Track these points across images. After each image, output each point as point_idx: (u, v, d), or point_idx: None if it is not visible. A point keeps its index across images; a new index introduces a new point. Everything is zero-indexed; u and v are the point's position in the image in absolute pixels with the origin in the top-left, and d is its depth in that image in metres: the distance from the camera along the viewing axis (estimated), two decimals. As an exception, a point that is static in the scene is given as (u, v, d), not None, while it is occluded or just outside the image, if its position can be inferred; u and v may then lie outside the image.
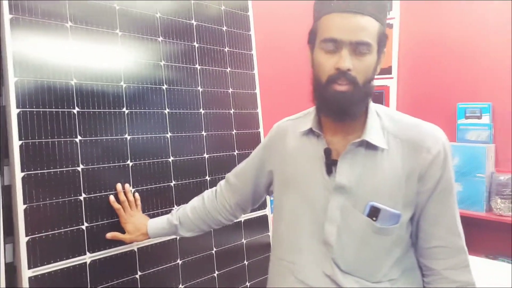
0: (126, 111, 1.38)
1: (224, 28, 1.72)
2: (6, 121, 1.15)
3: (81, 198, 1.25)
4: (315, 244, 1.00)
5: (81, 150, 1.26)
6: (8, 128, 1.14)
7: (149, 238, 1.30)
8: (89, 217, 1.26)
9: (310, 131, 1.04)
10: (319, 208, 0.99)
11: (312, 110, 1.07)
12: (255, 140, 1.77)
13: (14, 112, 1.14)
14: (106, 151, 1.32)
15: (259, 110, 1.83)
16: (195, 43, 1.60)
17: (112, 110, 1.34)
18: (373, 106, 1.00)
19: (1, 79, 1.14)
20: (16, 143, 1.13)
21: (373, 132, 0.96)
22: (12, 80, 1.14)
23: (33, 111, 1.17)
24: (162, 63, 1.49)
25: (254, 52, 1.84)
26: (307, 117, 1.08)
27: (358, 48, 0.89)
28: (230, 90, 1.72)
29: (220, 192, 1.30)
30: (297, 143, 1.07)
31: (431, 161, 0.94)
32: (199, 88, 1.60)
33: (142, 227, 1.29)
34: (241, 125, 1.74)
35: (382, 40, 0.94)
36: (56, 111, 1.22)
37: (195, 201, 1.32)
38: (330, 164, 0.98)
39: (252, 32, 1.84)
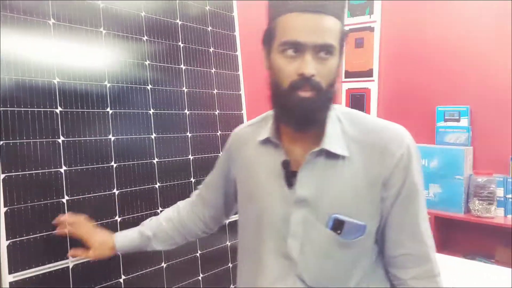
0: (110, 111, 1.35)
1: (209, 29, 1.71)
2: (-15, 121, 1.11)
3: (64, 200, 1.22)
4: (279, 259, 0.93)
5: (63, 151, 1.22)
6: (-13, 128, 1.10)
7: (116, 252, 1.20)
8: (72, 219, 1.23)
9: (268, 140, 0.97)
10: (280, 222, 0.93)
11: (270, 114, 1.00)
12: (240, 141, 1.76)
13: (-6, 111, 1.10)
14: (90, 152, 1.29)
15: (244, 111, 1.82)
16: (180, 43, 1.58)
17: (96, 110, 1.31)
18: (333, 110, 0.93)
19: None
20: (-4, 144, 1.09)
21: (333, 140, 0.90)
22: (-8, 78, 1.10)
23: (14, 110, 1.13)
24: (147, 62, 1.47)
25: (239, 53, 1.83)
26: (265, 122, 1.01)
27: (320, 52, 0.83)
28: (215, 91, 1.71)
29: (195, 203, 1.23)
30: (255, 152, 1.00)
31: (395, 165, 0.89)
32: (184, 88, 1.58)
33: (108, 241, 1.18)
34: (226, 126, 1.72)
35: (343, 40, 0.88)
36: (38, 110, 1.18)
37: (170, 212, 1.23)
38: (290, 176, 0.92)
39: (237, 33, 1.83)
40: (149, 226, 1.20)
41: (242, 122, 1.79)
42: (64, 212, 1.21)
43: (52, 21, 1.23)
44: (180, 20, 1.59)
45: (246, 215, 1.03)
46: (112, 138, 1.34)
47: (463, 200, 2.56)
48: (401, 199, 0.90)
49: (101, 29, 1.35)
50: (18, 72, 1.15)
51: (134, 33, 1.44)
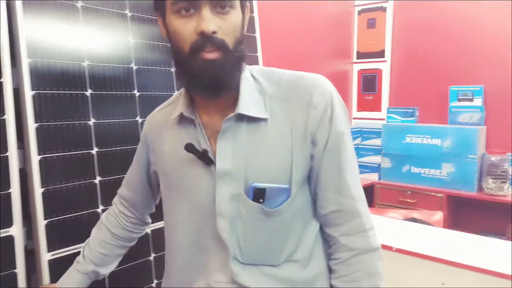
0: (137, 94, 1.36)
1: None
2: (20, 104, 1.13)
3: (96, 181, 1.24)
4: (217, 244, 0.85)
5: (95, 133, 1.25)
6: (22, 111, 1.12)
7: None
8: (104, 200, 1.26)
9: (183, 117, 0.87)
10: (206, 203, 0.85)
11: (182, 91, 0.90)
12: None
13: (28, 94, 1.12)
14: (119, 134, 1.31)
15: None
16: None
17: (123, 93, 1.33)
18: (247, 71, 0.85)
19: (15, 60, 1.11)
20: (31, 126, 1.11)
21: (249, 102, 0.82)
22: (25, 61, 1.12)
23: (47, 93, 1.15)
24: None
25: (259, 54, 1.84)
26: (178, 100, 0.91)
27: (219, 4, 0.75)
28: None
29: (120, 211, 1.10)
30: (172, 133, 0.91)
31: (320, 117, 0.82)
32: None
33: None
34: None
35: None
36: (69, 93, 1.20)
37: (99, 235, 1.09)
38: (204, 155, 0.83)
39: (257, 34, 1.83)
40: (86, 260, 1.07)
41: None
42: (96, 192, 1.24)
43: (80, 3, 1.24)
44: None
45: (174, 207, 0.92)
46: (140, 120, 1.36)
47: (476, 179, 2.58)
48: (326, 154, 0.83)
49: (127, 12, 1.36)
50: (49, 55, 1.16)
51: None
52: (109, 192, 1.26)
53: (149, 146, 0.99)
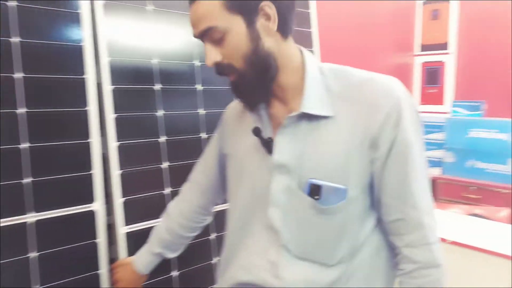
0: (200, 88, 1.50)
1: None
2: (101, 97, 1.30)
3: (165, 165, 1.39)
4: (263, 230, 0.90)
5: (164, 123, 1.40)
6: (103, 103, 1.29)
7: (146, 277, 1.22)
8: (171, 183, 1.41)
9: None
10: (262, 191, 0.89)
11: None
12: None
13: (108, 88, 1.28)
14: (184, 124, 1.45)
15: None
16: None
17: (187, 87, 1.47)
18: (314, 67, 0.87)
19: (97, 59, 1.28)
20: (111, 116, 1.28)
21: (312, 100, 0.83)
22: (106, 60, 1.28)
23: (124, 87, 1.32)
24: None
25: (316, 49, 1.90)
26: None
27: (210, 38, 0.82)
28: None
29: (187, 199, 1.19)
30: (242, 121, 0.98)
31: (383, 121, 0.80)
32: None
33: (136, 278, 1.20)
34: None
35: (238, 6, 0.80)
36: (141, 87, 1.35)
37: (167, 222, 1.19)
38: (267, 143, 0.88)
39: (314, 29, 1.90)
40: (156, 243, 1.18)
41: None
42: (164, 175, 1.39)
43: (151, 6, 1.39)
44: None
45: (235, 190, 0.98)
46: (202, 112, 1.50)
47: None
48: (391, 159, 0.81)
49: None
50: (125, 54, 1.33)
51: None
52: (175, 176, 1.41)
53: (224, 130, 1.08)
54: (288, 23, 0.85)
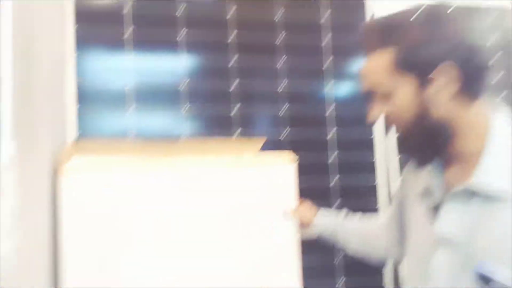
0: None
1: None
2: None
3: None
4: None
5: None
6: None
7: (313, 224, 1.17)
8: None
9: None
10: (423, 260, 0.78)
11: None
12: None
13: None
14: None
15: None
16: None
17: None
18: (505, 133, 0.72)
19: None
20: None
21: (491, 172, 0.69)
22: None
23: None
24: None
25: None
26: None
27: (377, 93, 0.78)
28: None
29: (383, 224, 1.09)
30: (416, 171, 0.87)
31: None
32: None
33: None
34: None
35: (410, 65, 0.72)
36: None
37: (361, 226, 1.15)
38: (435, 208, 0.77)
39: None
40: (340, 227, 1.14)
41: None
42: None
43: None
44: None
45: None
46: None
47: None
48: None
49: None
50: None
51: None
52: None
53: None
54: (476, 85, 0.75)
